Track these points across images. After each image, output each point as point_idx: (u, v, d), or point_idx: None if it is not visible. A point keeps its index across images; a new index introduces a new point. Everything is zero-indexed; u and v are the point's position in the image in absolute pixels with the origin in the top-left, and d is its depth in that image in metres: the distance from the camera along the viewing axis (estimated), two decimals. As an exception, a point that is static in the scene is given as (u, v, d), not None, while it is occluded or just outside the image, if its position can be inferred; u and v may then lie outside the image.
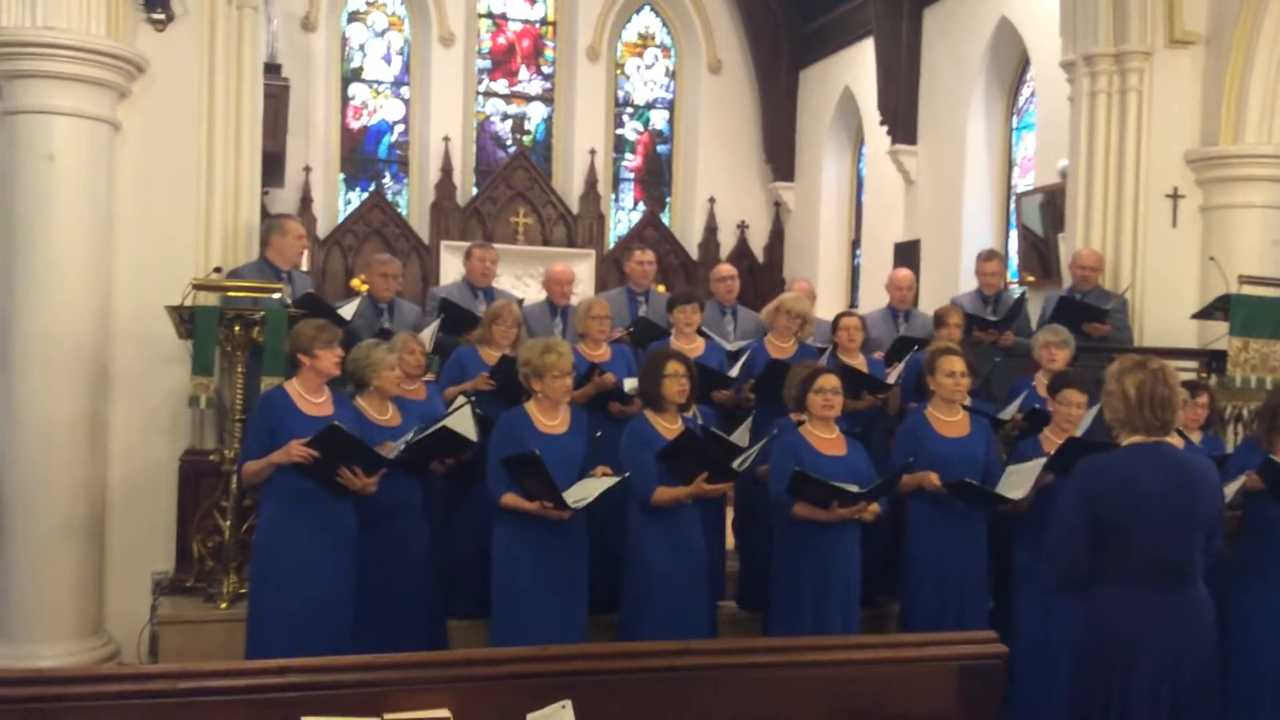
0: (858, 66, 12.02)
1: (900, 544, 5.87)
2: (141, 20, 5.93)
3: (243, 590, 5.58)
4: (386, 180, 13.13)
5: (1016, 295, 7.79)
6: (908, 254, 10.90)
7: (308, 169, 12.21)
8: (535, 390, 4.96)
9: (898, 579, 6.04)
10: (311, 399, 4.82)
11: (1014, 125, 10.43)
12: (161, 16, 5.91)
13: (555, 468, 4.71)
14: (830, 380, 5.12)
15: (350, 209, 12.80)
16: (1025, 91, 10.26)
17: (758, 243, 13.59)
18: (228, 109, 6.20)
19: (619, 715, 2.55)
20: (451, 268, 12.57)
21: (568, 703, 2.52)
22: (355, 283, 11.85)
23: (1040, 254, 9.76)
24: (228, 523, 5.59)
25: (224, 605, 5.52)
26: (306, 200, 12.19)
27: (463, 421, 5.05)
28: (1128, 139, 7.38)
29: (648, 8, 13.73)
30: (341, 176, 12.98)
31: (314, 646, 4.68)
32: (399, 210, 12.84)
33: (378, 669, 2.43)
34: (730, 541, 6.37)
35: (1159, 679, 3.37)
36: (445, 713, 2.44)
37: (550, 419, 4.97)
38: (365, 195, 12.84)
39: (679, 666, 2.61)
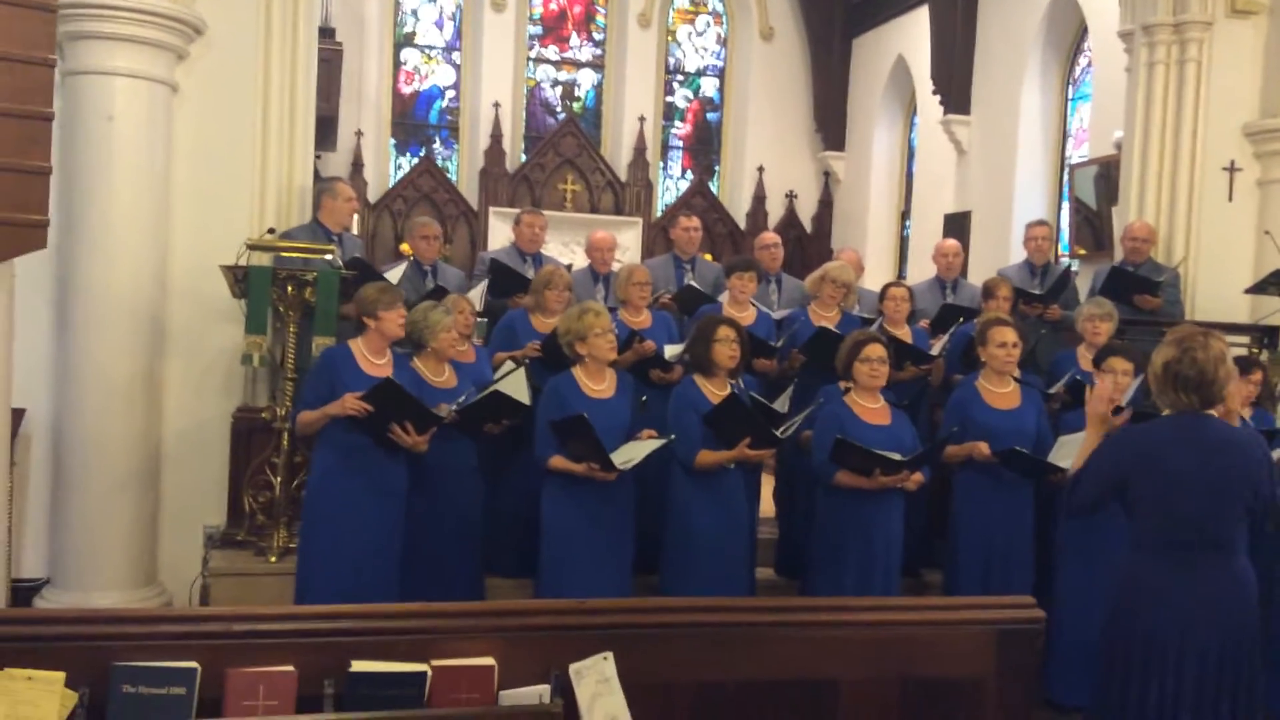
0: (911, 35, 11.88)
1: (942, 516, 5.89)
2: (200, -18, 5.99)
3: (292, 545, 5.70)
4: (437, 146, 13.19)
5: (1064, 268, 7.73)
6: (958, 225, 10.80)
7: (359, 133, 12.30)
8: (581, 354, 5.01)
9: (938, 550, 6.08)
10: (374, 359, 4.93)
11: (1069, 96, 10.27)
12: (219, -21, 5.97)
13: (602, 431, 4.77)
14: (877, 349, 5.12)
15: (401, 174, 12.89)
16: (1082, 62, 10.10)
17: (806, 212, 13.52)
18: (283, 72, 6.27)
19: (659, 669, 2.60)
20: (500, 233, 12.63)
21: (609, 655, 2.57)
22: (404, 247, 11.93)
23: (1093, 227, 9.63)
24: (279, 479, 5.69)
25: (273, 559, 5.64)
26: (358, 164, 12.28)
27: (517, 385, 5.12)
28: (1185, 110, 7.28)
29: (701, -27, 13.66)
30: (392, 141, 13.05)
31: (358, 597, 4.80)
32: (449, 176, 12.90)
33: (426, 617, 2.50)
34: (767, 509, 6.40)
35: (1187, 650, 3.35)
36: (490, 660, 2.51)
37: (597, 383, 5.02)
38: (415, 160, 12.92)
39: (719, 623, 2.66)
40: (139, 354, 5.89)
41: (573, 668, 2.54)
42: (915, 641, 2.74)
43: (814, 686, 2.66)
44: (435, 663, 2.45)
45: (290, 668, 2.39)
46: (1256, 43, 7.18)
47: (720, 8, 13.76)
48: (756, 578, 5.74)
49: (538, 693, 2.49)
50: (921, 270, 11.39)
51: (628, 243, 12.63)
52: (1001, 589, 5.25)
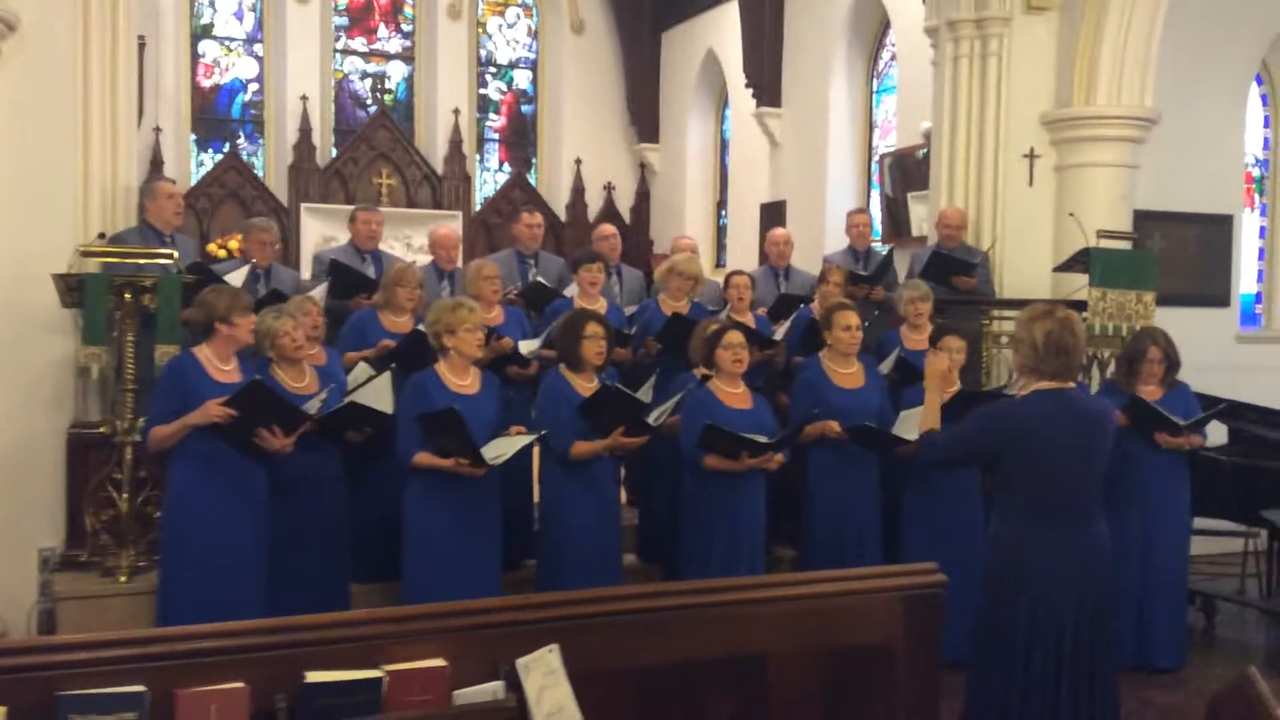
0: (720, 29, 12.21)
1: (789, 493, 6.14)
2: (9, -26, 5.64)
3: (141, 564, 5.47)
4: (241, 141, 12.74)
5: (883, 252, 8.14)
6: (774, 215, 11.20)
7: (157, 129, 11.78)
8: (448, 348, 4.97)
9: (787, 527, 6.33)
10: (221, 366, 4.76)
11: (874, 89, 10.79)
12: (31, -30, 5.63)
13: (470, 427, 4.75)
14: (737, 336, 5.30)
15: (204, 171, 12.39)
16: (885, 55, 10.63)
17: (624, 203, 13.72)
18: (103, 68, 5.97)
19: (604, 655, 2.67)
20: (312, 230, 12.34)
21: (555, 647, 2.63)
22: (212, 247, 11.48)
23: (890, 213, 10.18)
24: (124, 495, 5.43)
25: (123, 579, 5.39)
26: (157, 162, 11.74)
27: (378, 393, 5.04)
28: (988, 101, 7.72)
29: (509, -35, 13.64)
30: (193, 137, 12.54)
31: (226, 609, 4.65)
32: (255, 172, 12.48)
33: (375, 623, 2.48)
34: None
35: (1064, 608, 3.57)
36: (441, 661, 2.52)
37: (462, 379, 5.00)
38: (219, 157, 12.44)
39: (657, 607, 2.75)
40: (-42, 370, 5.52)
41: (520, 662, 2.57)
42: (832, 612, 2.90)
43: (745, 661, 2.79)
44: (388, 667, 2.45)
45: (241, 684, 2.34)
46: (1050, 37, 7.70)
47: (530, 0, 13.77)
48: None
49: (491, 689, 2.51)
50: (740, 258, 11.77)
51: (447, 237, 12.51)
52: (855, 558, 5.55)
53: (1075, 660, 3.52)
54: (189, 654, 2.31)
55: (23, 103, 5.75)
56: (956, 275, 7.19)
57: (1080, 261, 6.69)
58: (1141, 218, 7.85)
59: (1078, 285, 6.95)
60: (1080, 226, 6.85)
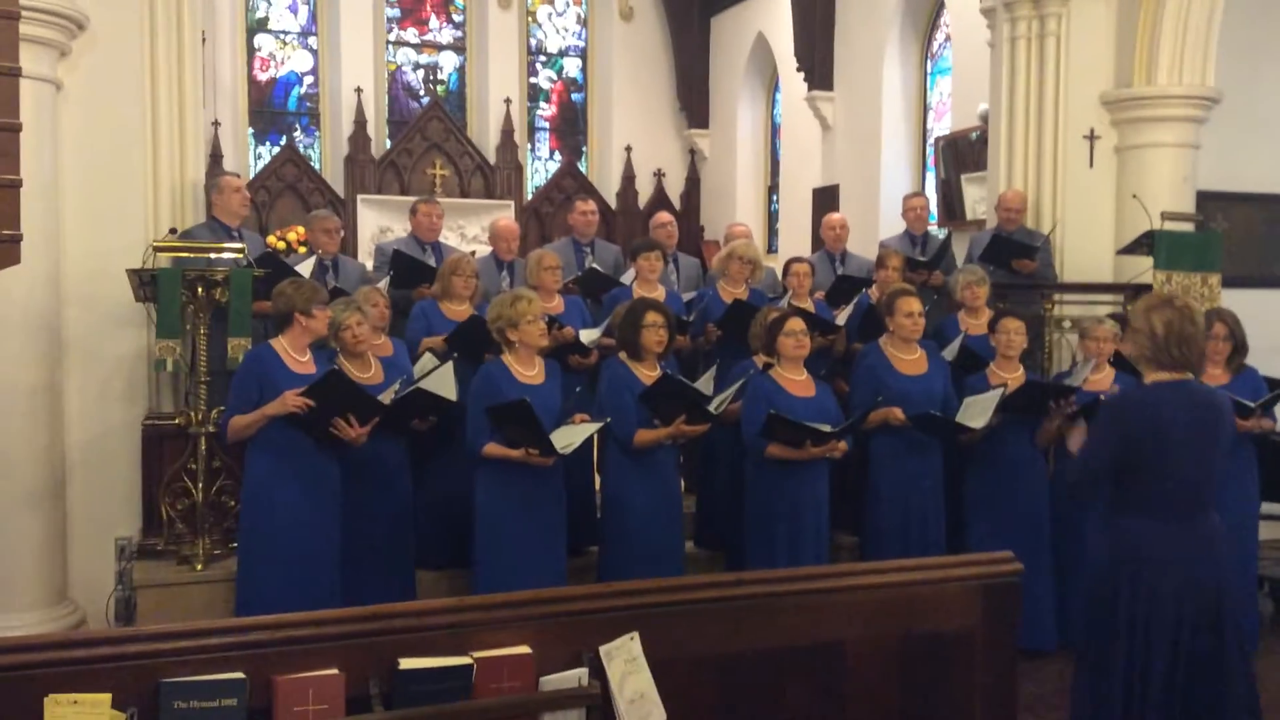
0: (770, 12, 12.16)
1: (850, 480, 6.15)
2: (80, -25, 5.76)
3: (217, 551, 5.60)
4: (298, 133, 12.90)
5: (940, 236, 8.10)
6: (826, 199, 11.15)
7: (216, 123, 11.92)
8: (511, 341, 5.04)
9: (848, 513, 6.34)
10: (298, 357, 4.86)
11: (928, 70, 10.70)
12: (101, -29, 5.75)
13: (538, 417, 4.81)
14: (798, 323, 5.32)
15: (261, 164, 12.55)
16: (939, 37, 10.54)
17: (675, 190, 13.73)
18: (170, 66, 6.10)
19: (682, 643, 2.71)
20: (369, 221, 12.48)
21: (635, 634, 2.68)
22: (270, 239, 11.63)
23: (945, 197, 10.11)
24: (199, 485, 5.55)
25: (199, 567, 5.51)
26: (216, 156, 11.87)
27: (443, 381, 5.11)
28: (1046, 83, 7.66)
29: (556, -46, 13.66)
30: (251, 130, 12.71)
31: (305, 604, 4.75)
32: (312, 164, 12.63)
33: (464, 610, 2.54)
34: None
35: (1185, 601, 3.49)
36: (526, 649, 2.57)
37: (528, 369, 5.07)
38: (276, 149, 12.60)
39: (735, 595, 2.79)
40: (37, 365, 5.67)
41: (603, 649, 2.63)
42: (910, 601, 2.92)
43: (823, 649, 2.82)
44: (476, 654, 2.51)
45: (335, 670, 2.41)
46: (1109, 16, 7.61)
47: (579, -12, 13.81)
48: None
49: (576, 676, 2.57)
50: (792, 243, 11.74)
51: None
52: (919, 546, 5.56)
53: (1197, 652, 3.46)
54: (285, 641, 2.38)
55: (93, 101, 5.89)
56: (1017, 259, 7.14)
57: (1144, 244, 6.63)
58: (1204, 198, 7.75)
59: (1142, 268, 6.88)
60: (1144, 208, 6.78)
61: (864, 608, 2.87)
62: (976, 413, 5.47)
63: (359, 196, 12.46)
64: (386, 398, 4.94)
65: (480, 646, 2.51)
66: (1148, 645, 3.46)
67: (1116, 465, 3.58)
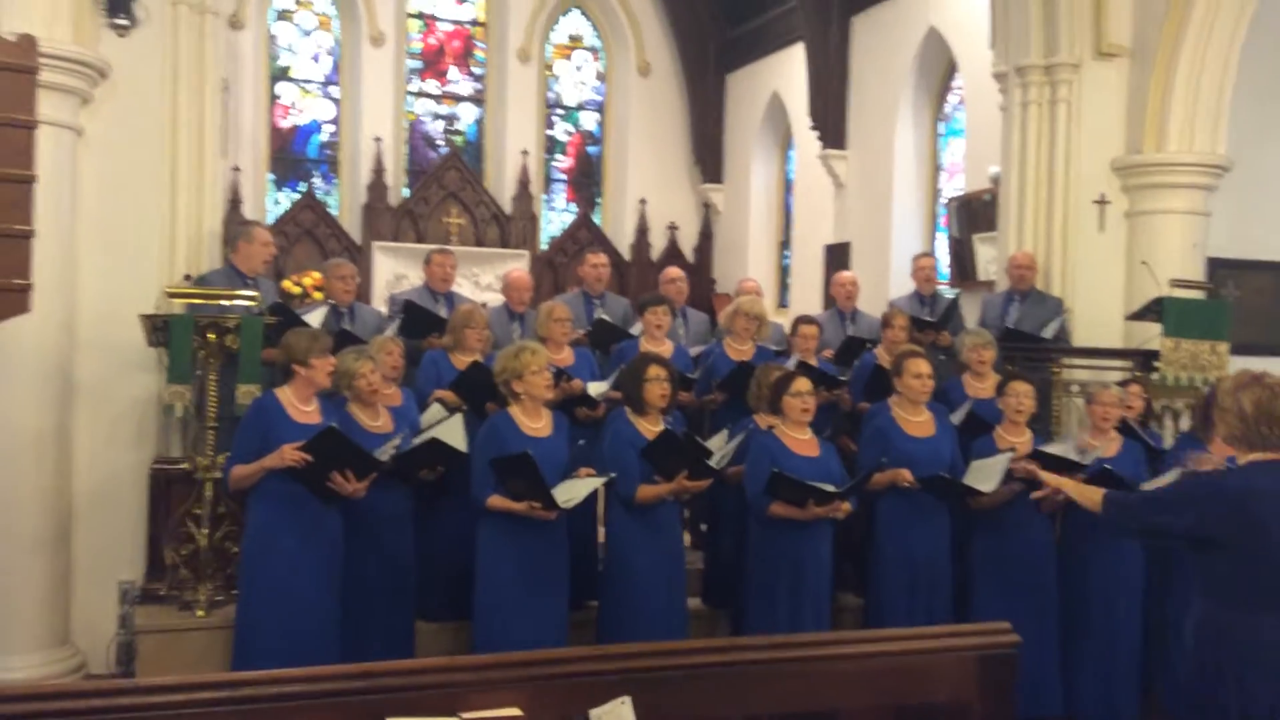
0: (786, 72, 12.30)
1: (856, 541, 6.13)
2: (104, 25, 5.87)
3: (219, 598, 5.59)
4: (316, 181, 13.04)
5: (949, 296, 8.13)
6: (838, 256, 11.21)
7: (236, 169, 12.05)
8: (518, 392, 5.06)
9: (854, 574, 6.31)
10: (301, 407, 4.88)
11: (940, 132, 10.79)
12: (125, 22, 5.87)
13: (542, 470, 4.82)
14: (805, 383, 5.33)
15: (280, 210, 12.69)
16: (952, 99, 10.63)
17: (688, 244, 13.82)
18: (190, 114, 6.19)
19: (675, 708, 2.70)
20: (384, 268, 12.58)
21: (627, 699, 2.66)
22: (286, 284, 11.74)
23: (957, 257, 10.15)
24: (203, 531, 5.57)
25: (201, 613, 5.51)
26: (235, 201, 11.99)
27: (453, 431, 5.13)
28: (1057, 147, 7.71)
29: (576, 10, 13.86)
30: (270, 177, 12.86)
31: (303, 654, 4.75)
32: (330, 211, 12.76)
33: (454, 670, 2.54)
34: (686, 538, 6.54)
35: (1276, 700, 3.31)
36: (516, 711, 2.57)
37: (534, 422, 5.08)
38: (295, 196, 12.74)
39: (729, 662, 2.77)
40: (48, 407, 5.71)
41: (593, 713, 2.62)
42: (906, 671, 2.90)
43: (817, 718, 2.81)
44: (465, 715, 2.51)
45: (323, 729, 2.41)
46: (1121, 83, 7.68)
47: (598, 43, 13.99)
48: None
49: (565, 740, 2.56)
50: (803, 299, 11.80)
51: (513, 276, 12.68)
52: (925, 611, 5.53)
53: None
54: (276, 697, 2.38)
55: (113, 147, 5.97)
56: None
57: (1153, 310, 6.63)
58: (1215, 265, 7.78)
59: (1151, 334, 6.88)
60: (1153, 274, 6.79)
61: (860, 677, 2.85)
62: (984, 476, 5.45)
63: (375, 244, 12.57)
64: (387, 451, 4.95)
65: (470, 707, 2.51)
66: None
67: (1190, 540, 3.45)
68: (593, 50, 13.99)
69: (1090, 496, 3.91)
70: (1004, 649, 3.00)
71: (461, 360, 6.07)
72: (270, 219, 12.47)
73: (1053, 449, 5.52)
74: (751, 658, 2.78)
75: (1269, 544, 3.35)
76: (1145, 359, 6.69)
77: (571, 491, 4.94)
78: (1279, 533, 3.35)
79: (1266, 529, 3.35)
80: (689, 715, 2.72)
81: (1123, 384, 6.35)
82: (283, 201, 12.83)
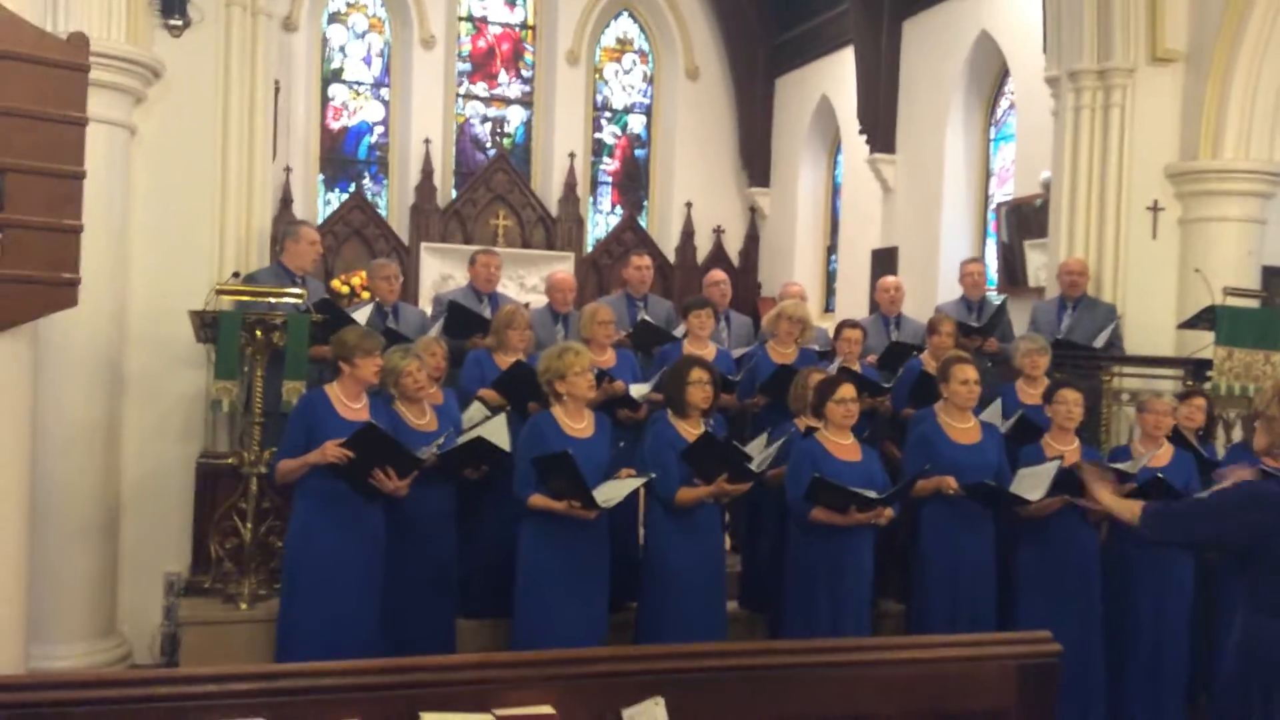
0: (835, 76, 12.24)
1: (900, 547, 6.08)
2: (158, 25, 5.98)
3: (262, 592, 5.66)
4: (366, 181, 13.16)
5: (997, 302, 8.04)
6: (885, 261, 11.13)
7: (288, 169, 12.21)
8: (560, 393, 5.06)
9: (893, 580, 6.26)
10: (350, 404, 4.93)
11: (992, 136, 10.68)
12: (179, 22, 5.96)
13: (583, 470, 4.82)
14: (850, 389, 5.29)
15: (330, 210, 12.82)
16: (1003, 104, 10.52)
17: (734, 247, 13.78)
18: (242, 114, 6.27)
19: (708, 710, 2.69)
20: (431, 269, 12.67)
21: (660, 699, 2.66)
22: (335, 283, 11.86)
23: (1007, 262, 10.04)
24: (248, 525, 5.63)
25: (244, 606, 5.57)
26: (286, 200, 12.15)
27: (497, 430, 5.15)
28: (1110, 152, 7.62)
29: (626, 13, 13.87)
30: (321, 177, 12.99)
31: (344, 649, 4.79)
32: (379, 211, 12.87)
33: (489, 667, 2.55)
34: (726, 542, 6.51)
35: None
36: (549, 709, 2.57)
37: (577, 422, 5.09)
38: (345, 196, 12.86)
39: (764, 665, 2.76)
40: (99, 400, 5.80)
41: (626, 713, 2.61)
42: (943, 678, 2.87)
43: (852, 723, 2.78)
44: (498, 712, 2.51)
45: (358, 720, 2.43)
46: (1175, 88, 7.56)
47: (646, 47, 14.00)
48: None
49: (598, 739, 2.56)
50: (849, 303, 11.72)
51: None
52: (969, 619, 5.46)
53: None
54: (311, 690, 2.40)
55: (166, 147, 6.07)
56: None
57: (1206, 319, 6.52)
58: (1270, 274, 7.63)
59: (1204, 343, 6.76)
60: (1206, 282, 6.68)
61: (896, 683, 2.83)
62: (1031, 485, 5.38)
63: (423, 244, 12.66)
64: (425, 453, 4.97)
65: (503, 704, 2.51)
66: None
67: (1232, 550, 3.43)
68: (641, 53, 14.00)
69: (1129, 509, 3.86)
70: (1045, 658, 2.96)
71: (504, 360, 6.08)
72: (320, 219, 12.60)
73: (1120, 466, 5.43)
74: (786, 661, 2.76)
75: None
76: (1198, 368, 6.57)
77: (612, 491, 4.94)
78: None
79: None
80: (722, 717, 2.70)
81: (1184, 395, 6.25)
82: (333, 202, 12.96)
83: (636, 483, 4.98)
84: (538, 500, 4.91)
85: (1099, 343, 6.98)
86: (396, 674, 2.46)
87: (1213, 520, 3.53)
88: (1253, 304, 6.84)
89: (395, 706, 2.45)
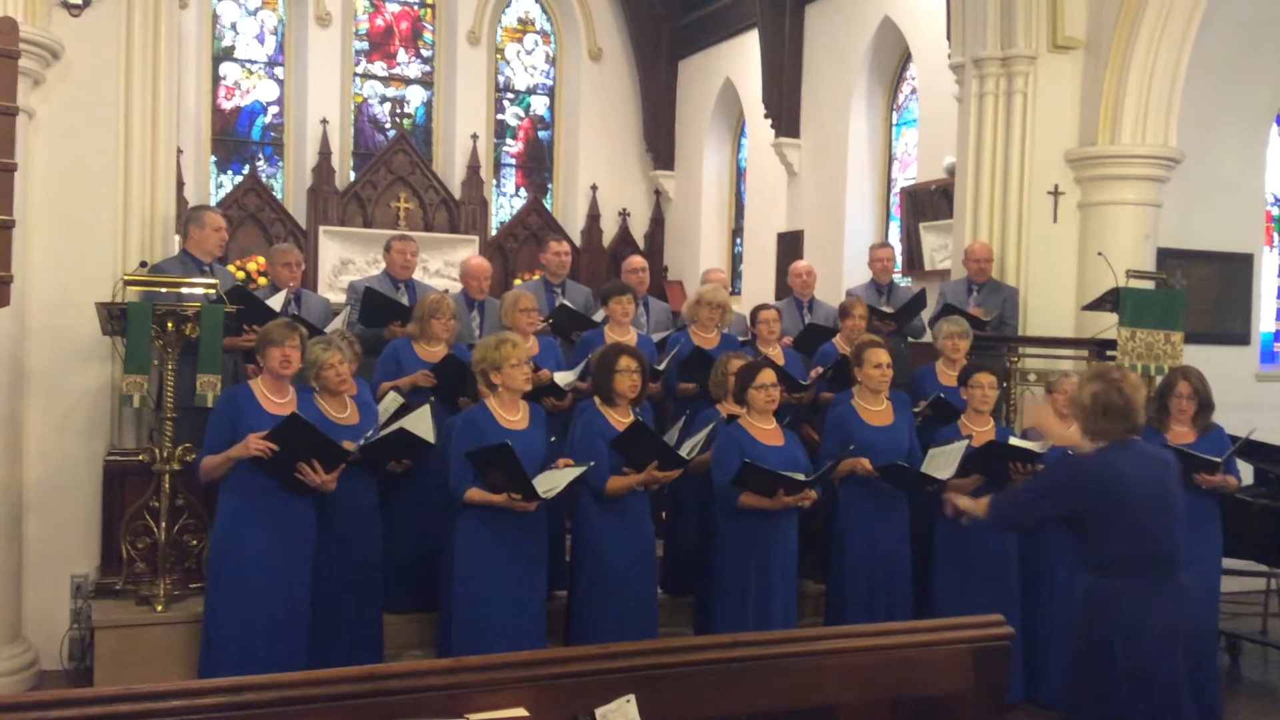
0: (739, 59, 12.29)
1: (816, 527, 6.17)
2: (57, 4, 5.70)
3: (178, 593, 5.48)
4: (260, 163, 12.80)
5: (904, 286, 8.20)
6: (791, 245, 11.25)
7: (179, 151, 11.72)
8: (495, 384, 4.99)
9: (814, 561, 6.35)
10: (274, 398, 4.78)
11: (894, 121, 10.86)
12: (78, 2, 5.69)
13: (521, 461, 4.76)
14: (770, 375, 5.34)
15: (223, 193, 12.44)
16: (905, 89, 10.70)
17: (639, 230, 13.78)
18: (144, 96, 6.03)
19: (679, 706, 2.69)
20: (330, 253, 12.39)
21: (631, 697, 2.65)
22: (230, 268, 11.50)
23: (907, 245, 10.23)
24: (161, 524, 5.45)
25: (160, 608, 5.39)
26: (177, 183, 11.68)
27: (421, 422, 5.05)
28: (1013, 138, 7.79)
29: (527, -7, 13.73)
30: (213, 159, 12.60)
31: (271, 648, 4.69)
32: (274, 194, 12.53)
33: (459, 671, 2.50)
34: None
35: (1162, 660, 3.58)
36: (522, 711, 2.54)
37: (512, 414, 5.02)
38: (238, 179, 12.50)
39: (731, 658, 2.77)
40: (-2, 396, 5.54)
41: (598, 711, 2.60)
42: (902, 664, 2.92)
43: (816, 713, 2.81)
44: (470, 716, 2.47)
45: (327, 732, 2.36)
46: (1075, 75, 7.76)
47: (548, 27, 13.88)
48: (653, 598, 5.84)
49: (570, 739, 2.54)
50: (756, 287, 11.82)
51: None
52: (886, 597, 5.61)
53: (1178, 708, 3.54)
54: (278, 701, 2.33)
55: (65, 130, 5.80)
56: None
57: (1109, 300, 6.73)
58: (1163, 255, 7.91)
59: (1105, 324, 6.99)
60: (1109, 264, 6.89)
61: (857, 670, 2.87)
62: (942, 464, 5.52)
63: (321, 228, 12.38)
64: (350, 445, 4.86)
65: (475, 708, 2.47)
66: (1129, 706, 3.53)
67: (1063, 517, 3.78)
68: (543, 34, 13.87)
69: (979, 506, 4.14)
70: (998, 640, 3.04)
71: (426, 350, 5.98)
72: (213, 202, 12.21)
73: (1024, 444, 5.60)
74: (753, 653, 2.78)
75: (1132, 515, 3.67)
76: (1100, 348, 6.79)
77: (551, 481, 4.89)
78: (1139, 504, 3.68)
79: (1128, 501, 3.68)
80: (693, 712, 2.71)
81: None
82: (225, 184, 12.59)
83: (576, 472, 4.94)
84: (475, 494, 4.82)
85: (990, 318, 7.16)
86: (366, 681, 2.40)
87: (1052, 496, 3.87)
88: (1151, 286, 7.09)
89: (365, 715, 2.39)
